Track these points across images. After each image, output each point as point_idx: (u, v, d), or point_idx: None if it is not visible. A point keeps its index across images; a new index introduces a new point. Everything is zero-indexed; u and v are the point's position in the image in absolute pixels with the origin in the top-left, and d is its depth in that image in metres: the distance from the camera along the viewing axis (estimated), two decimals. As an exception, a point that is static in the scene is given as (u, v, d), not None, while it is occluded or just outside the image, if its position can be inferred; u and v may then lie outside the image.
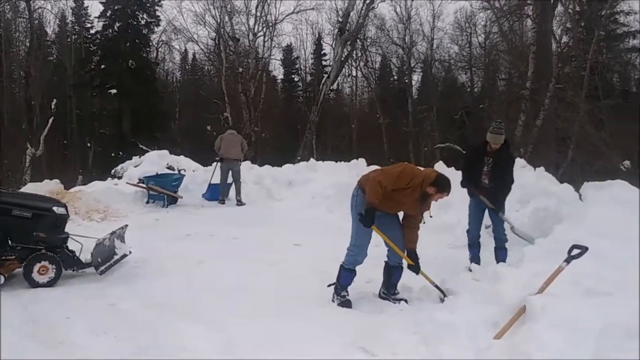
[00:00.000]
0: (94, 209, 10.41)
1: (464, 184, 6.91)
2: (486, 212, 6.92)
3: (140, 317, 4.95)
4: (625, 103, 17.50)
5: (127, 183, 12.53)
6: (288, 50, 40.31)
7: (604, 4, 20.77)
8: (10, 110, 30.20)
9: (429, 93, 34.56)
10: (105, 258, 6.24)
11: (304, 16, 35.84)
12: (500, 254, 6.78)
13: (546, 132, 18.33)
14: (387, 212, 5.48)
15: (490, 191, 6.68)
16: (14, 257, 5.74)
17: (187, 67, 44.89)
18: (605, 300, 3.94)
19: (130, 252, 6.79)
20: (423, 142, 34.48)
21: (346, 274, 5.54)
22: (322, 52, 40.42)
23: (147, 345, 4.33)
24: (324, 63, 40.18)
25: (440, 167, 10.64)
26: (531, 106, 19.89)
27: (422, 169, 5.69)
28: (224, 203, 12.57)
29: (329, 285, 5.65)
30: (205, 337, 4.51)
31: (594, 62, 18.38)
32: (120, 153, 27.83)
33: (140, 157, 15.63)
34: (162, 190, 11.84)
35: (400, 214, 5.65)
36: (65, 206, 6.25)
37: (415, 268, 5.52)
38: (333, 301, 5.52)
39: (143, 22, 32.11)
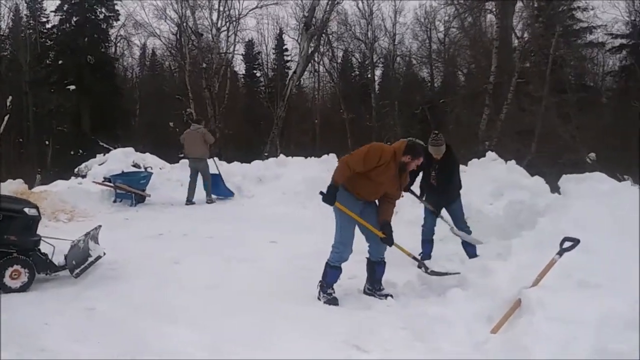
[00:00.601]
0: (60, 209, 10.10)
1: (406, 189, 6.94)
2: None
3: (121, 320, 4.78)
4: (589, 97, 17.93)
5: (93, 182, 12.17)
6: (250, 45, 39.89)
7: (562, 1, 21.24)
8: (-37, 108, 29.07)
9: (391, 88, 34.72)
10: (80, 260, 6.01)
11: (267, 11, 35.57)
12: (468, 248, 6.92)
13: (510, 125, 18.63)
14: (370, 200, 5.44)
15: (438, 191, 6.94)
16: (-17, 261, 5.48)
17: (146, 62, 43.99)
18: (598, 291, 3.97)
19: (104, 254, 6.57)
20: (386, 136, 34.53)
21: (332, 272, 5.48)
22: (284, 47, 40.11)
23: (132, 350, 4.17)
24: (286, 58, 39.96)
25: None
26: (494, 100, 20.17)
27: (389, 144, 5.64)
28: (193, 204, 12.10)
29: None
30: (191, 338, 4.37)
31: (556, 56, 18.77)
32: (80, 151, 27.16)
33: (104, 155, 15.22)
34: (130, 189, 11.57)
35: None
36: (36, 207, 6.00)
37: (388, 240, 5.45)
38: (319, 299, 5.44)
39: (102, 16, 31.23)
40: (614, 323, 3.42)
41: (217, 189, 12.57)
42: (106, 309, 5.08)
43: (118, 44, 36.77)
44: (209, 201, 12.26)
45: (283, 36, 39.31)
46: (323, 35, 27.21)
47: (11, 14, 36.00)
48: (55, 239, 6.18)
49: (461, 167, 10.06)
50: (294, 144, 36.09)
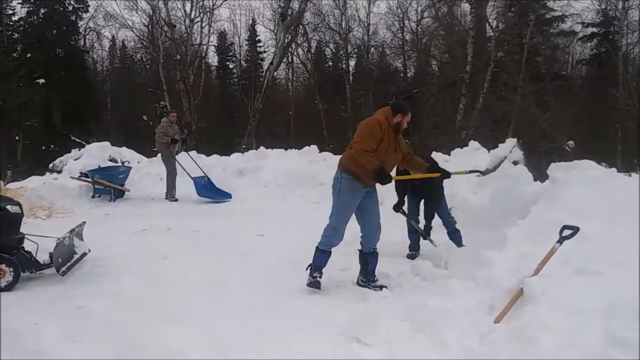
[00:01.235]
0: (38, 205, 9.86)
1: (396, 208, 7.02)
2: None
3: (113, 319, 4.64)
4: (565, 85, 18.15)
5: (70, 177, 11.89)
6: (222, 36, 39.42)
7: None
8: None
9: (365, 79, 34.70)
10: (66, 258, 5.85)
11: (241, 2, 35.17)
12: (456, 238, 6.95)
13: (486, 114, 18.77)
14: (372, 187, 5.41)
15: (419, 189, 6.87)
16: (-35, 261, 5.30)
17: (117, 54, 43.18)
18: (599, 279, 3.98)
19: (89, 251, 6.42)
20: (361, 126, 34.59)
21: (321, 256, 5.47)
22: (256, 39, 39.74)
23: (128, 350, 4.05)
24: (258, 49, 39.60)
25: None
26: (470, 89, 20.29)
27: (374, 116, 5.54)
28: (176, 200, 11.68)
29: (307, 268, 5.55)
30: (186, 337, 4.27)
31: (530, 45, 18.95)
32: (52, 146, 26.65)
33: (79, 149, 14.91)
34: (109, 184, 11.34)
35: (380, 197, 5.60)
36: (19, 204, 5.83)
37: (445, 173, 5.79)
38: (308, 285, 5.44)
39: (70, 7, 30.54)
40: (621, 311, 3.41)
41: (210, 192, 11.71)
42: (97, 307, 4.94)
43: (87, 36, 36.07)
44: (167, 198, 11.74)
45: (256, 27, 38.96)
46: (300, 26, 26.99)
47: (-25, 6, 34.90)
48: (38, 236, 6.02)
49: (444, 157, 10.14)
50: (268, 135, 35.90)
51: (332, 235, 5.41)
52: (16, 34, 33.20)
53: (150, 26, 29.98)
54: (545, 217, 5.13)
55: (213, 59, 40.20)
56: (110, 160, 13.64)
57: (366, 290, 5.45)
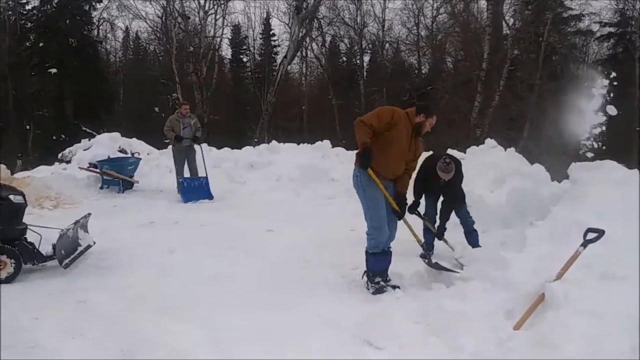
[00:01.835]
0: (45, 195, 9.76)
1: (411, 210, 6.55)
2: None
3: (115, 314, 4.50)
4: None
5: (79, 168, 11.78)
6: (236, 29, 39.26)
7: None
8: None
9: (379, 74, 34.44)
10: (70, 250, 5.72)
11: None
12: (472, 238, 6.71)
13: (502, 112, 18.48)
14: (390, 178, 5.18)
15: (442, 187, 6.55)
16: (-34, 251, 5.17)
17: (129, 45, 43.13)
18: (624, 284, 3.77)
19: (94, 243, 6.28)
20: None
21: (373, 259, 5.19)
22: (270, 32, 39.52)
23: (129, 346, 3.90)
24: (273, 43, 39.40)
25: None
26: (486, 87, 19.99)
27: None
28: None
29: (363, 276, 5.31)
30: (191, 334, 4.10)
31: (547, 44, 18.62)
32: (63, 136, 26.64)
33: (89, 140, 14.81)
34: (118, 175, 11.22)
35: None
36: (22, 194, 5.67)
37: (400, 214, 5.25)
38: (368, 289, 5.17)
39: (84, -3, 30.53)
40: (650, 319, 3.21)
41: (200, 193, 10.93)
42: (99, 301, 4.81)
43: (100, 27, 36.01)
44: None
45: (270, 20, 38.74)
46: (315, 20, 26.77)
47: (-11, -4, 34.93)
48: (42, 227, 5.90)
49: (460, 154, 9.89)
50: (281, 130, 35.76)
51: (377, 235, 5.13)
52: (29, 23, 33.21)
53: (164, 17, 29.90)
54: (566, 218, 4.91)
55: (227, 51, 40.05)
56: (120, 152, 13.55)
57: (379, 289, 5.25)
